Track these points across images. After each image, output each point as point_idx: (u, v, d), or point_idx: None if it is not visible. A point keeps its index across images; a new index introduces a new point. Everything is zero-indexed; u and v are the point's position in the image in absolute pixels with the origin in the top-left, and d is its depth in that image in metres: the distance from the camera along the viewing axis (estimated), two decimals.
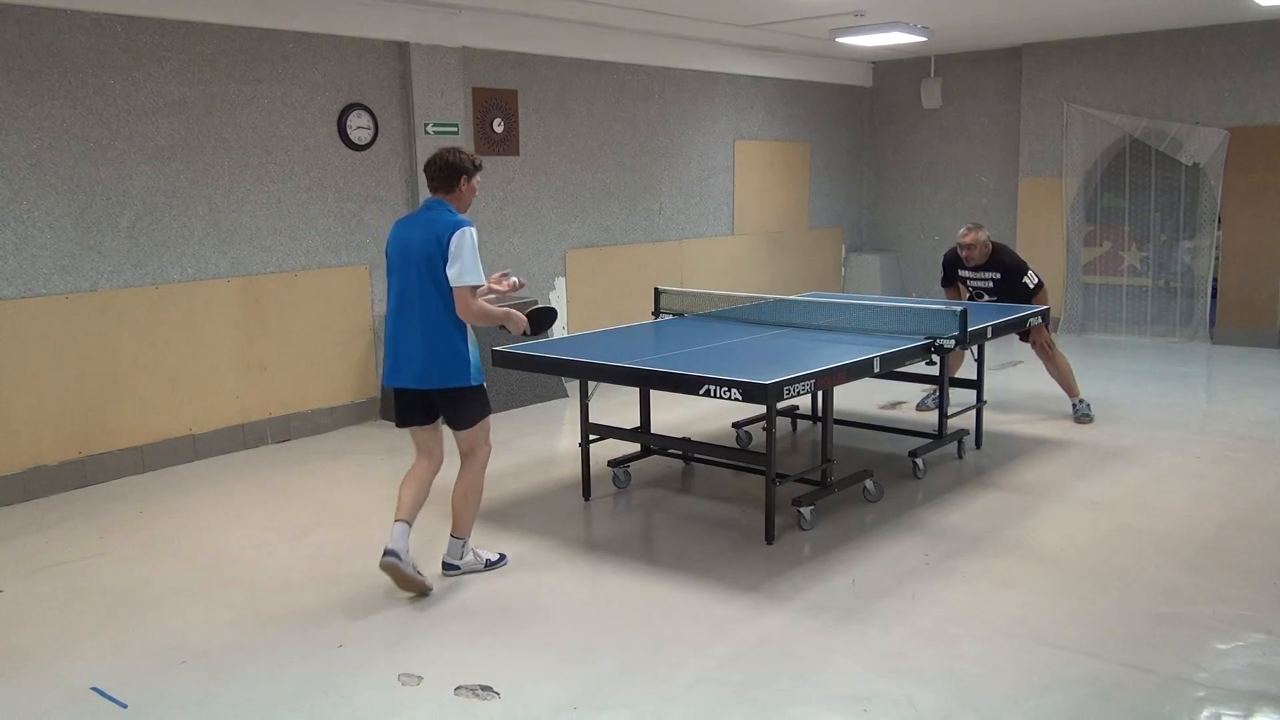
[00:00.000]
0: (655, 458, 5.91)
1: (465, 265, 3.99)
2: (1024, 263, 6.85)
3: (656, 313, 6.36)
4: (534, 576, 4.41)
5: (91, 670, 3.62)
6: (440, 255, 4.00)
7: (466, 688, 3.43)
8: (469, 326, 4.14)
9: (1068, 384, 6.86)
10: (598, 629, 3.89)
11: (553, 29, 8.02)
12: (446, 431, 4.32)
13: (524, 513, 5.22)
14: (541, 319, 4.50)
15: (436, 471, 4.33)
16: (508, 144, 7.90)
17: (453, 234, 4.01)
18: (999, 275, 6.71)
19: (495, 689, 3.42)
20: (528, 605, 4.13)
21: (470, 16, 7.42)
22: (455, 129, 7.41)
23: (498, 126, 7.78)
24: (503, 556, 4.53)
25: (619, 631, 3.85)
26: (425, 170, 4.21)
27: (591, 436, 5.40)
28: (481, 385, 4.20)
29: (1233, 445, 6.16)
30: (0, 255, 5.48)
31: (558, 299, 8.43)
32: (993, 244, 6.75)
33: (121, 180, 5.91)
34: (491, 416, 4.33)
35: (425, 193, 7.15)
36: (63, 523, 5.23)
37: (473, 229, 4.06)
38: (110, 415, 5.94)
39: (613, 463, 5.64)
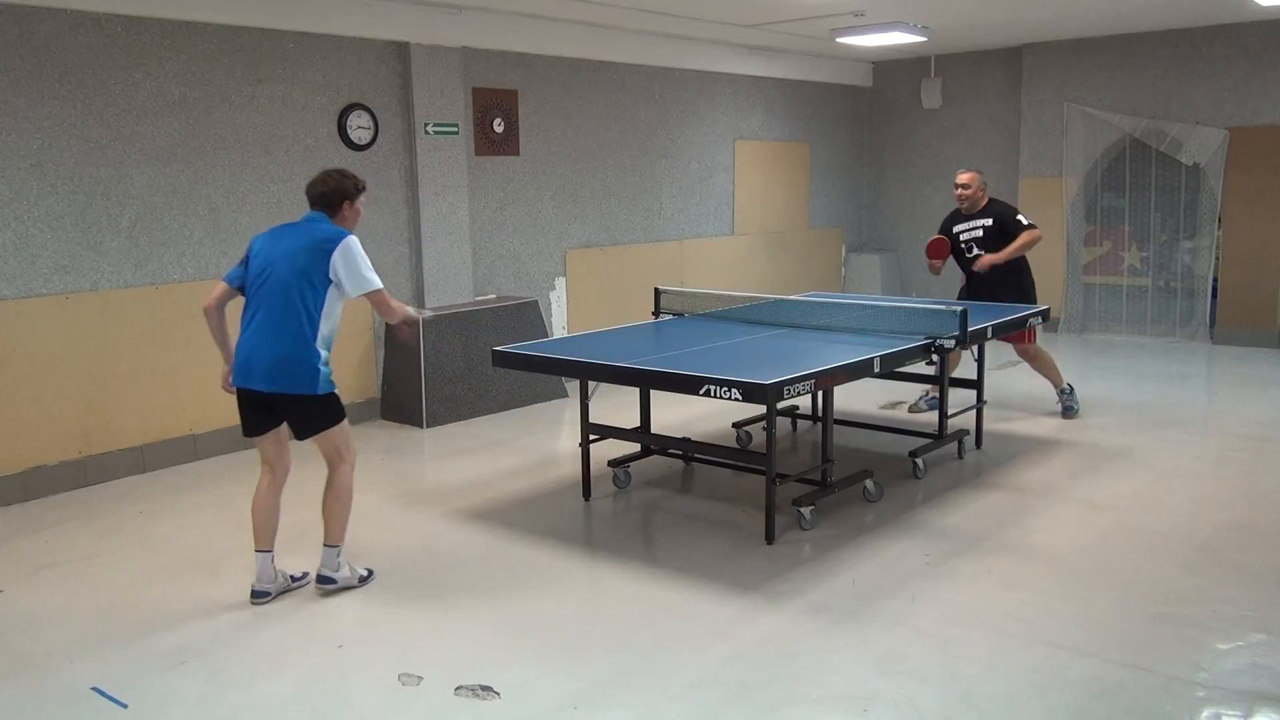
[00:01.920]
0: (655, 458, 5.90)
1: (365, 274, 4.01)
2: (1015, 207, 7.03)
3: (656, 313, 6.36)
4: (534, 577, 4.41)
5: (91, 670, 3.62)
6: (318, 265, 3.96)
7: (466, 688, 3.43)
8: (322, 338, 4.03)
9: (1052, 375, 6.95)
10: (598, 629, 3.89)
11: (553, 29, 8.02)
12: (299, 445, 4.24)
13: (524, 513, 5.22)
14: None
15: (283, 483, 4.28)
16: (508, 144, 7.90)
17: (337, 246, 3.98)
18: (990, 221, 6.81)
19: (495, 689, 3.42)
20: (528, 605, 4.13)
21: (470, 16, 7.42)
22: (455, 129, 7.41)
23: (498, 126, 7.78)
24: (371, 572, 4.38)
25: (619, 631, 3.85)
26: (307, 192, 4.16)
27: (591, 436, 5.40)
28: (330, 394, 4.11)
29: (1233, 445, 6.16)
30: (0, 255, 5.48)
31: (558, 299, 8.43)
32: (989, 198, 6.92)
33: (121, 180, 5.90)
34: (348, 423, 4.27)
35: (425, 192, 7.30)
36: (63, 523, 5.23)
37: (355, 238, 4.05)
38: (110, 415, 5.94)
39: (613, 463, 5.64)
